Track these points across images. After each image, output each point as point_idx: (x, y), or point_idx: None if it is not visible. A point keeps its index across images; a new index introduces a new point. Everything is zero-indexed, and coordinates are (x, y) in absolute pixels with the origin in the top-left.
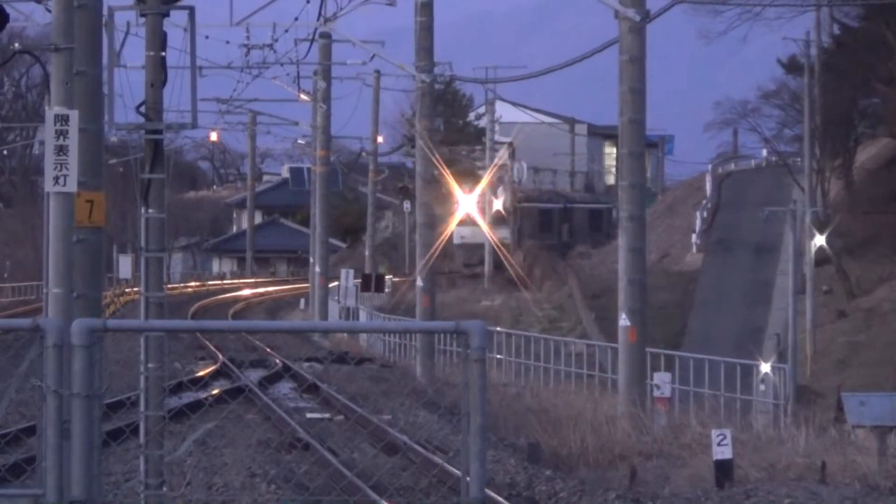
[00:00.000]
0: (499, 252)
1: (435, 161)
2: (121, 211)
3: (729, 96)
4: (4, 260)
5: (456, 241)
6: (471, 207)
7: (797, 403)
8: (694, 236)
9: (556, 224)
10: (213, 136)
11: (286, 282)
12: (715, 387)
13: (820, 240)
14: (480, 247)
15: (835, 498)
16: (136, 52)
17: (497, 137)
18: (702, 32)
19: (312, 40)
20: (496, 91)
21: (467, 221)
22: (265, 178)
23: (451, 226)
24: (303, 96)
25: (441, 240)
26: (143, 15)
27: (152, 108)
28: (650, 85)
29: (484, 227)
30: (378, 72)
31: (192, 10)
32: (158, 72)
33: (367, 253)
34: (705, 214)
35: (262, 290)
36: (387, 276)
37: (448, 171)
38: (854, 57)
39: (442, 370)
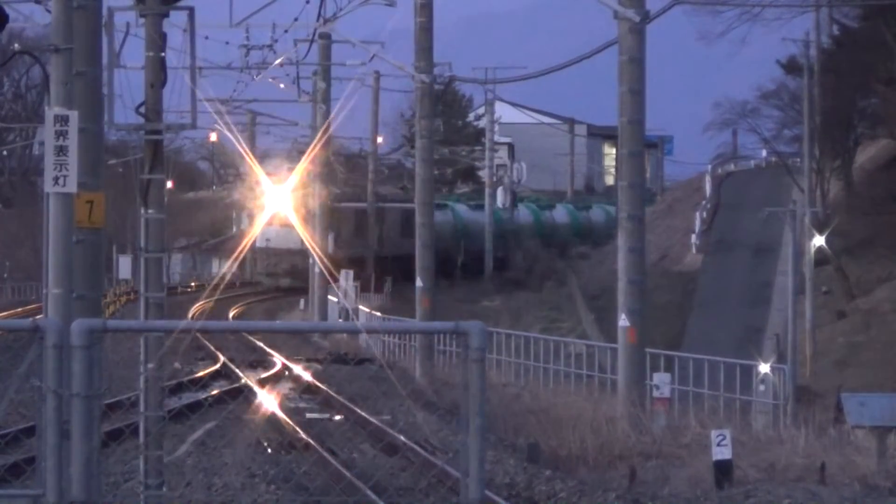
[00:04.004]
0: (319, 260)
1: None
2: (121, 211)
3: (728, 97)
4: (4, 260)
5: (259, 243)
6: (284, 204)
7: (797, 404)
8: (693, 237)
9: (370, 227)
10: (213, 137)
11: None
12: (714, 387)
13: (819, 240)
14: (291, 253)
15: (834, 498)
16: (135, 53)
17: (497, 138)
18: (701, 33)
19: (312, 41)
20: (496, 91)
21: (275, 221)
22: None
23: (256, 227)
24: (302, 98)
25: (245, 244)
26: (142, 15)
27: (152, 108)
28: (650, 85)
29: (299, 226)
30: (378, 72)
31: (191, 10)
32: (158, 72)
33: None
34: (705, 215)
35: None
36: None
37: (254, 159)
38: (853, 57)
39: (441, 371)
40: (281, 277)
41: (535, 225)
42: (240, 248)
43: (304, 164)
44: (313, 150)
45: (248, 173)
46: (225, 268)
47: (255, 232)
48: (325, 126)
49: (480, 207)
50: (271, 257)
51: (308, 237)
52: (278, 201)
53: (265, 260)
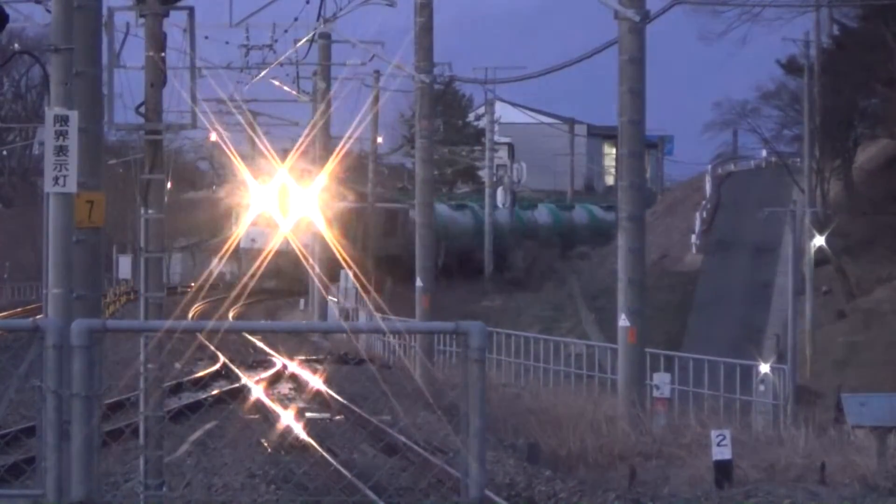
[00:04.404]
0: (304, 262)
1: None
2: (121, 211)
3: (728, 97)
4: (4, 260)
5: (244, 244)
6: (269, 203)
7: (797, 404)
8: (693, 237)
9: (353, 226)
10: (213, 137)
11: None
12: (714, 387)
13: (819, 240)
14: (276, 254)
15: (834, 498)
16: (135, 53)
17: (497, 138)
18: (702, 33)
19: (312, 41)
20: (496, 91)
21: (261, 221)
22: None
23: (240, 227)
24: (302, 97)
25: (229, 245)
26: (142, 15)
27: (152, 108)
28: (649, 85)
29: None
30: (377, 72)
31: (191, 10)
32: (158, 72)
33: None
34: (705, 215)
35: None
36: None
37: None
38: (853, 58)
39: (441, 371)
40: (266, 279)
41: (517, 225)
42: (224, 249)
43: (289, 163)
44: (300, 148)
45: (245, 173)
46: (209, 269)
47: (239, 232)
48: (312, 124)
49: (461, 207)
50: (256, 258)
51: (294, 237)
52: (265, 201)
53: (250, 261)
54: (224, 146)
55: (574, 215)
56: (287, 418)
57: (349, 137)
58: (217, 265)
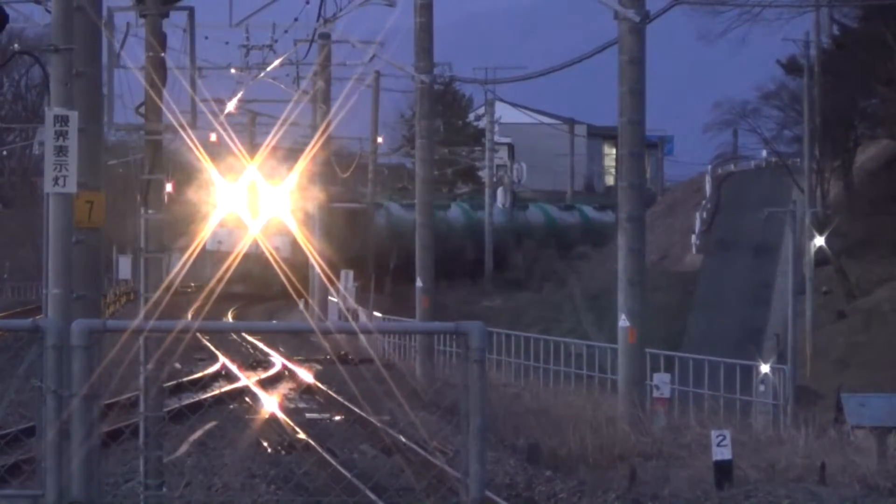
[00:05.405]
0: (278, 266)
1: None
2: (120, 211)
3: (728, 97)
4: (4, 260)
5: (209, 246)
6: (237, 202)
7: (797, 404)
8: (693, 237)
9: (321, 227)
10: (213, 137)
11: None
12: (714, 387)
13: (819, 240)
14: (244, 257)
15: (834, 499)
16: (135, 53)
17: (497, 138)
18: (702, 33)
19: (312, 41)
20: (496, 92)
21: (232, 222)
22: None
23: (206, 228)
24: (302, 97)
25: (194, 248)
26: (142, 16)
27: (152, 108)
28: (649, 85)
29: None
30: (377, 72)
31: (191, 10)
32: (158, 72)
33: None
34: (705, 215)
35: None
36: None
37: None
38: (853, 58)
39: (441, 371)
40: (234, 283)
41: (467, 225)
42: (189, 252)
43: (259, 160)
44: (270, 143)
45: (213, 171)
46: (172, 273)
47: (205, 234)
48: (282, 120)
49: (413, 206)
50: (223, 261)
51: (264, 239)
52: (233, 201)
53: (216, 264)
54: (189, 141)
55: (528, 215)
56: (285, 418)
57: (323, 133)
58: (182, 268)
